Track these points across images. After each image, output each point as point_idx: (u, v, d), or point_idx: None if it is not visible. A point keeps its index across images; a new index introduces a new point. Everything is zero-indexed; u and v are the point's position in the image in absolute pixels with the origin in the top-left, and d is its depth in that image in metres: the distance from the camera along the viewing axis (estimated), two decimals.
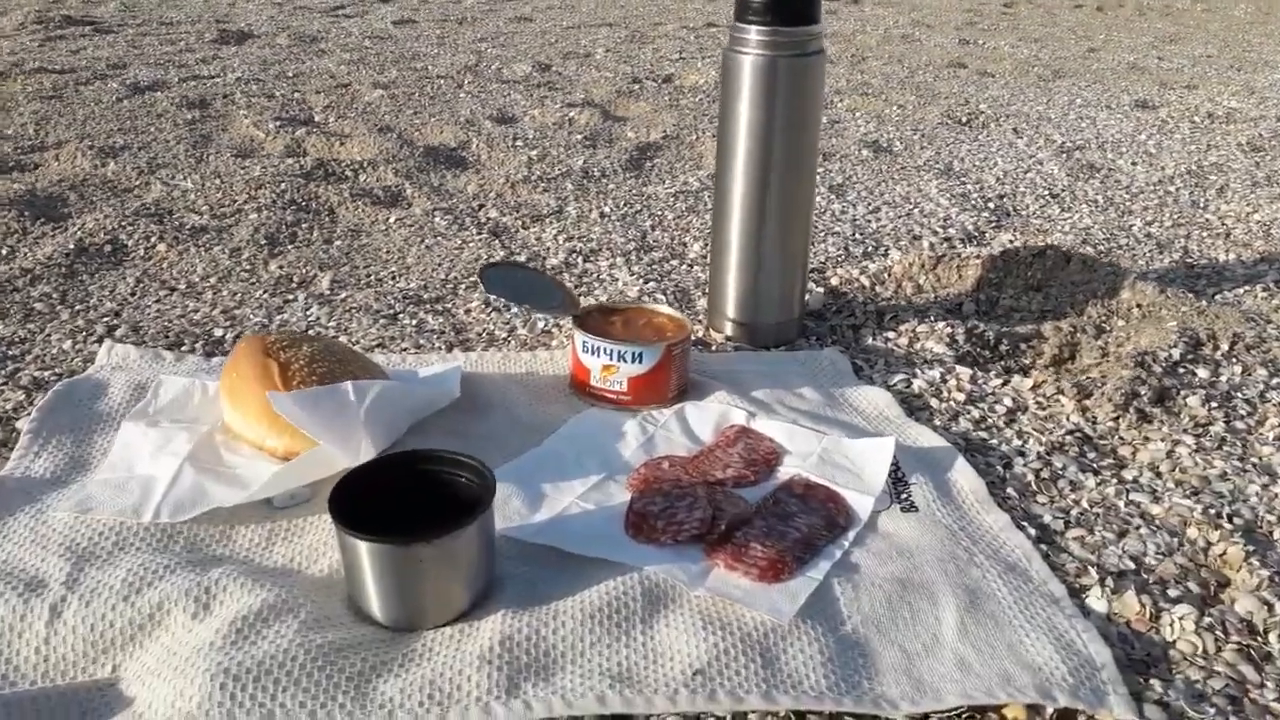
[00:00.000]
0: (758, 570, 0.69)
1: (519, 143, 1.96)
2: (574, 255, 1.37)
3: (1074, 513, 0.82)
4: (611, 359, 0.92)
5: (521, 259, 1.32)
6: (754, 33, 0.97)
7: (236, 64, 2.75)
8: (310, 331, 1.10)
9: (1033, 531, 0.78)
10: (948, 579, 0.71)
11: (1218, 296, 1.28)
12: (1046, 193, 1.71)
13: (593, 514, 0.76)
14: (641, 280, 1.28)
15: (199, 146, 1.86)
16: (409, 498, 0.69)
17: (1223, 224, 1.57)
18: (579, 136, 2.04)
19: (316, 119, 2.12)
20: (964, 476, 0.84)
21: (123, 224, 1.42)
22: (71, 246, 1.32)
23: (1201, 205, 1.67)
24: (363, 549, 0.62)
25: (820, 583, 0.69)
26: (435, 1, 4.65)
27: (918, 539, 0.75)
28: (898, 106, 2.40)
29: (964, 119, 2.28)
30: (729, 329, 1.11)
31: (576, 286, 1.26)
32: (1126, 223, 1.56)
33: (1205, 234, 1.52)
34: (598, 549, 0.71)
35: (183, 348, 1.05)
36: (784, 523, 0.74)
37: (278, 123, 2.02)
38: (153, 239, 1.37)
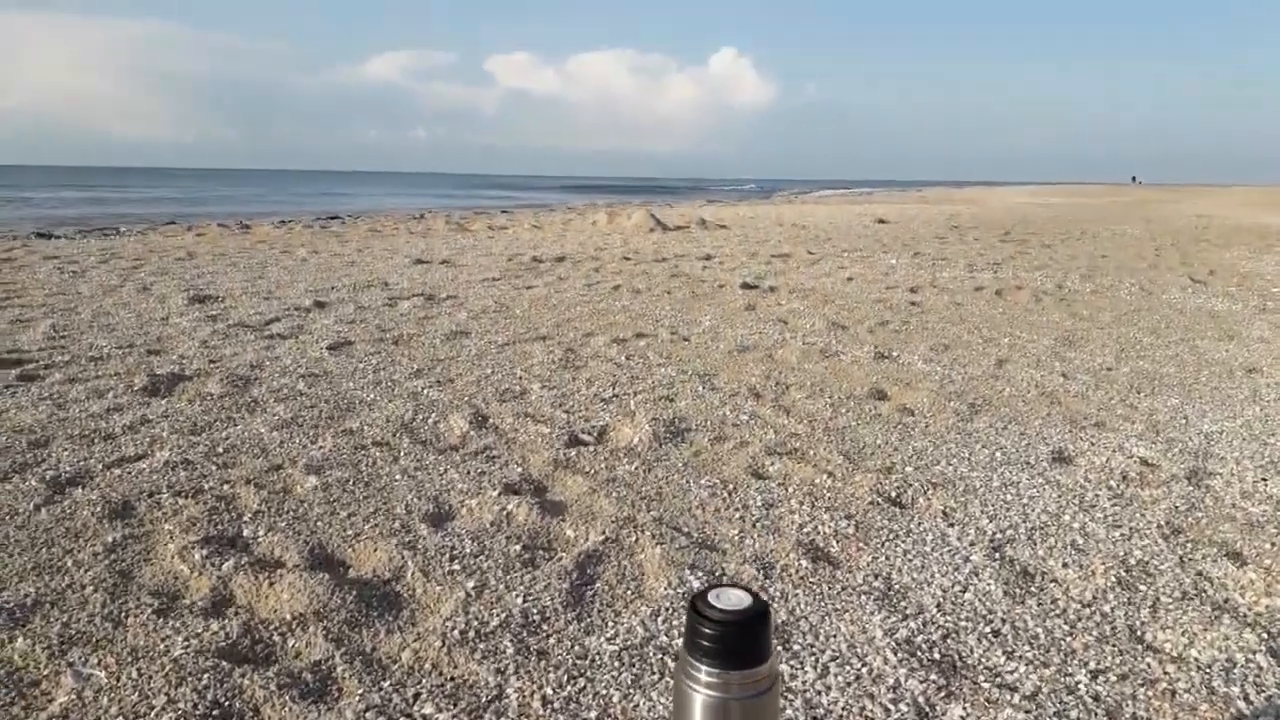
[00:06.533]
0: None
1: (455, 565, 1.92)
2: None
3: None
4: None
5: None
6: (704, 673, 0.96)
7: (165, 431, 2.71)
8: None
9: None
10: None
11: None
12: (989, 630, 1.72)
13: None
14: None
15: (117, 595, 1.77)
16: None
17: (1164, 672, 1.58)
18: (517, 548, 2.01)
19: (245, 533, 2.06)
20: None
21: None
22: None
23: (1139, 634, 1.69)
24: None
25: None
26: (371, 306, 4.78)
27: None
28: (828, 474, 2.46)
29: (894, 493, 2.34)
30: None
31: None
32: (1074, 682, 1.57)
33: (1151, 694, 1.52)
34: None
35: None
36: None
37: (204, 552, 1.95)
38: None
